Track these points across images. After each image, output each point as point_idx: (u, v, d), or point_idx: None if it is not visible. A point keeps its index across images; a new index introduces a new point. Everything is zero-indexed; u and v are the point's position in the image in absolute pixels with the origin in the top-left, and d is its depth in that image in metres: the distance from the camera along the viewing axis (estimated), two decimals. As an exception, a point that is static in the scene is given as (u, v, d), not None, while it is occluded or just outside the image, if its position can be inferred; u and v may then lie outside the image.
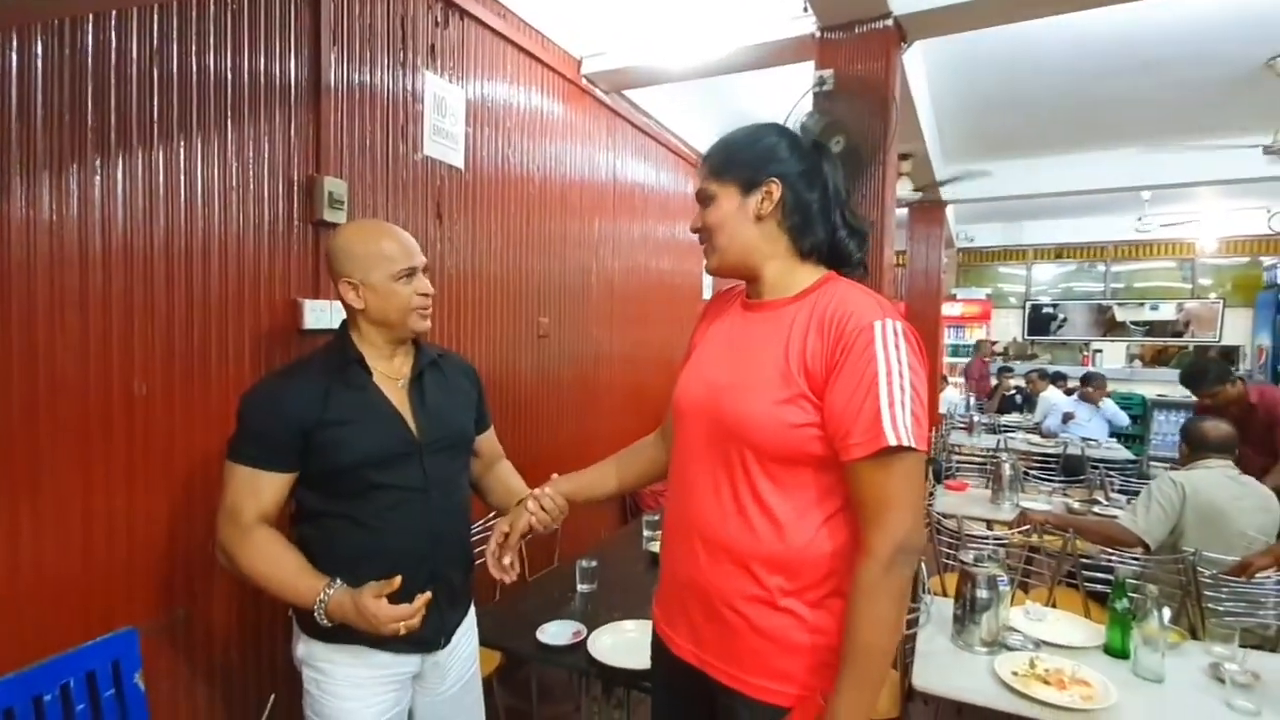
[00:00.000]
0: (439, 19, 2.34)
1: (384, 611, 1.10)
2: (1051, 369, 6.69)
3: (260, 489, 1.19)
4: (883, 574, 0.89)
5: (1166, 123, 4.39)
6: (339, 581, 1.16)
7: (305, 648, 1.26)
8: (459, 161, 2.44)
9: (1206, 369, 3.07)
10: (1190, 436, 2.50)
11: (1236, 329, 7.68)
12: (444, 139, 2.37)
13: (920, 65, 3.53)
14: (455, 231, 2.45)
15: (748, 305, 1.09)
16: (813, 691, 0.95)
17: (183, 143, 1.56)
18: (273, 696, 1.06)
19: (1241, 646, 1.62)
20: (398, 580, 1.12)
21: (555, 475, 1.31)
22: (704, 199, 1.08)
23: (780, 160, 1.03)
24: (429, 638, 1.27)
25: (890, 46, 2.53)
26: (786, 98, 2.50)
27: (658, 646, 1.16)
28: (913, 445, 0.88)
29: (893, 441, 0.87)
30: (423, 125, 2.27)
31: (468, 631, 1.44)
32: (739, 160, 1.05)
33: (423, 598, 1.14)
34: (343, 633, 1.17)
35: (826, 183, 1.05)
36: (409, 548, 1.23)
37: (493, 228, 2.66)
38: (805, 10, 2.57)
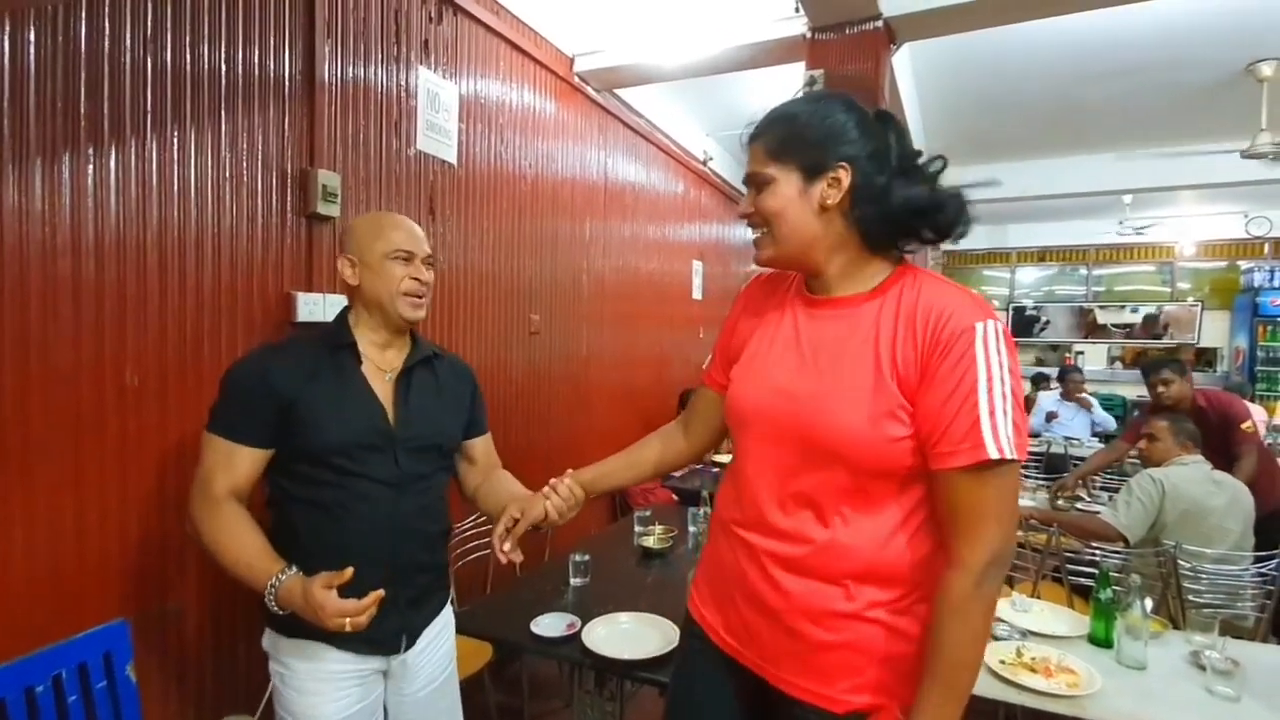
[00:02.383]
0: (433, 14, 2.34)
1: (330, 604, 1.05)
2: (1032, 370, 6.77)
3: (234, 462, 1.17)
4: (974, 588, 0.83)
5: (1148, 126, 4.48)
6: (294, 569, 1.13)
7: (270, 640, 1.25)
8: (452, 157, 2.45)
9: (1163, 359, 3.17)
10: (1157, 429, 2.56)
11: (1214, 331, 7.82)
12: (437, 134, 2.38)
13: (908, 67, 3.58)
14: (448, 227, 2.45)
15: (812, 301, 0.99)
16: (891, 700, 0.90)
17: (176, 134, 1.55)
18: (273, 683, 1.05)
19: (1221, 635, 1.66)
20: (349, 572, 1.07)
21: (571, 470, 1.27)
22: (759, 183, 0.95)
23: (850, 141, 0.91)
24: (386, 639, 1.25)
25: (880, 48, 2.57)
26: (779, 98, 2.53)
27: (707, 650, 1.07)
28: (1014, 458, 0.82)
29: (994, 455, 0.81)
30: (416, 120, 2.27)
31: (442, 631, 1.40)
32: (803, 138, 0.92)
33: (374, 595, 1.07)
34: (300, 627, 1.13)
35: (891, 160, 0.92)
36: (373, 542, 1.21)
37: (485, 224, 2.66)
38: (797, 11, 2.60)
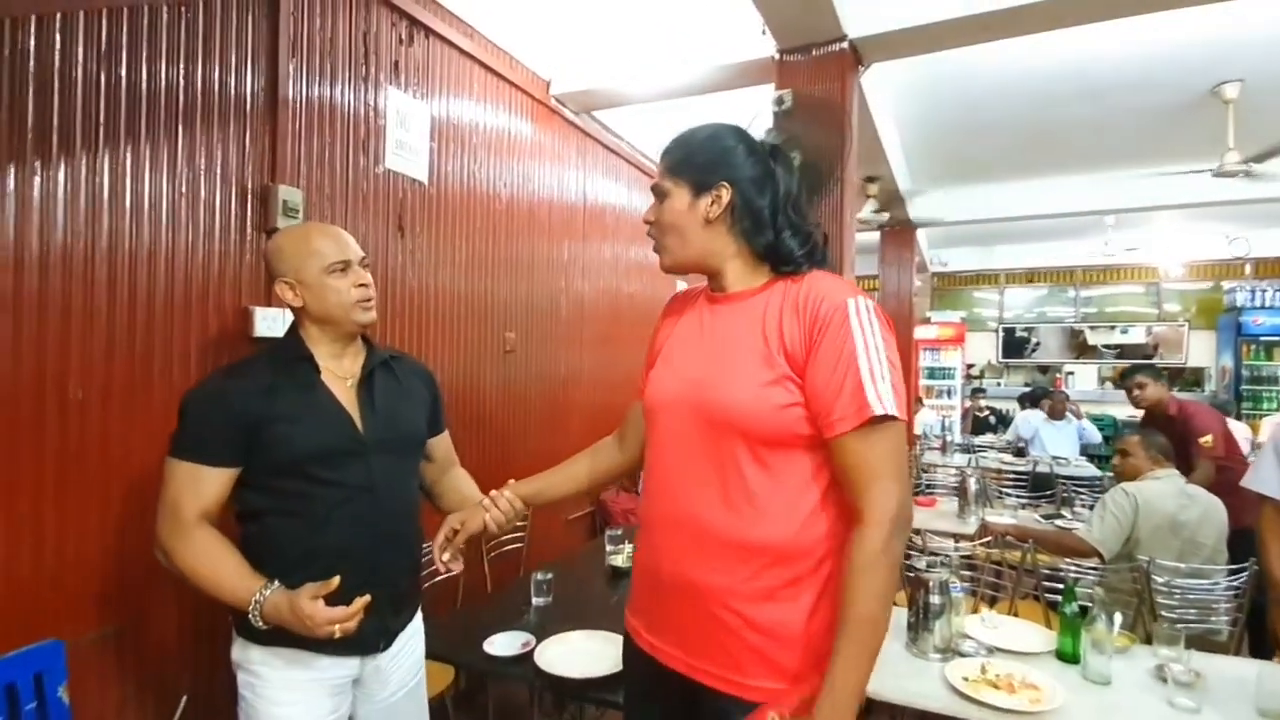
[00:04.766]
0: (403, 36, 2.37)
1: (320, 614, 1.08)
2: (1019, 390, 6.79)
3: (201, 485, 1.17)
4: (883, 546, 0.87)
5: (1120, 148, 4.55)
6: (276, 583, 1.13)
7: (241, 651, 1.23)
8: (422, 175, 2.46)
9: (1139, 365, 3.24)
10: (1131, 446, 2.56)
11: (1201, 351, 7.85)
12: (407, 153, 2.39)
13: (883, 91, 3.64)
14: (418, 244, 2.46)
15: (714, 298, 1.08)
16: (801, 684, 0.92)
17: (130, 148, 1.56)
18: (184, 698, 1.02)
19: (1198, 651, 1.63)
20: (335, 581, 1.10)
21: (512, 480, 1.29)
22: (658, 193, 1.08)
23: (734, 165, 1.03)
24: (367, 640, 1.24)
25: (846, 69, 2.61)
26: (749, 117, 2.56)
27: (636, 656, 1.11)
28: (896, 414, 0.89)
29: (878, 410, 0.88)
30: (384, 139, 2.29)
31: (413, 638, 1.40)
32: (694, 161, 1.04)
33: (361, 601, 1.11)
34: (279, 635, 1.14)
35: (777, 187, 1.04)
36: (352, 547, 1.21)
37: (457, 242, 2.67)
38: (764, 33, 2.64)
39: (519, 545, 2.73)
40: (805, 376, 0.93)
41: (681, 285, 5.05)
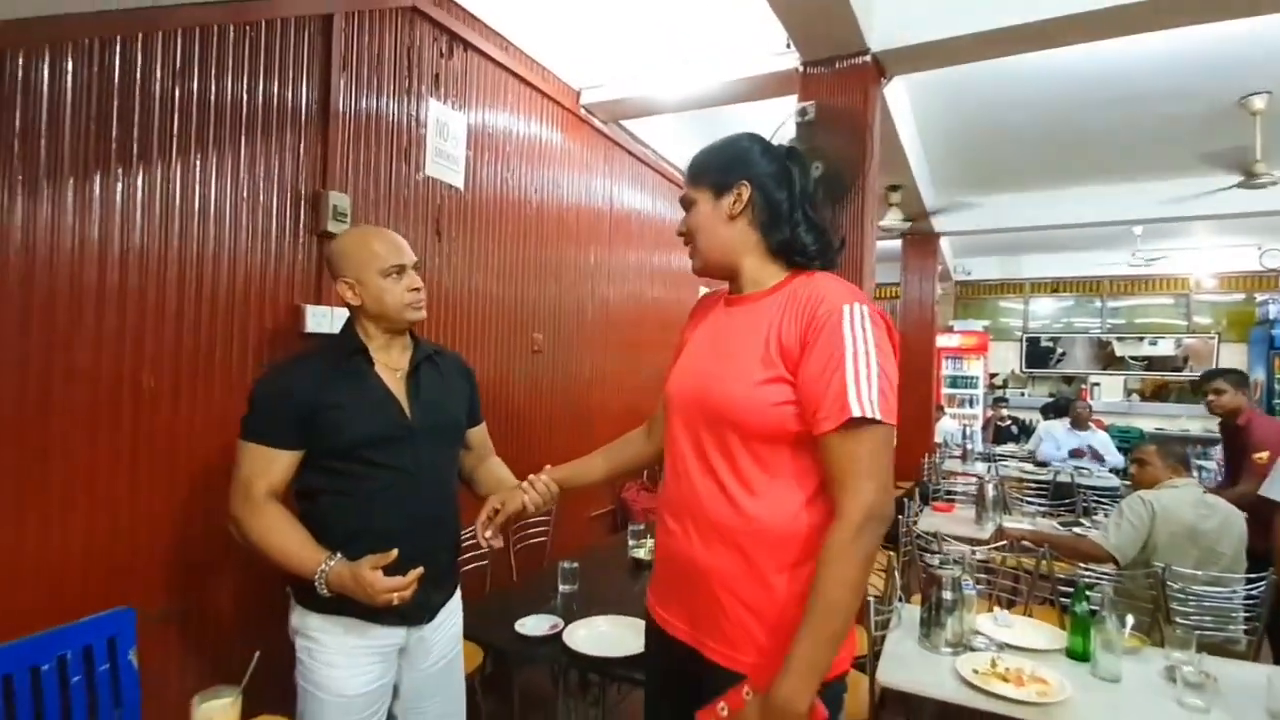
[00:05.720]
0: (444, 50, 2.50)
1: (380, 582, 1.19)
2: (1043, 400, 6.73)
3: (270, 466, 1.29)
4: (852, 537, 0.93)
5: (1146, 158, 4.53)
6: (339, 555, 1.25)
7: (300, 619, 1.34)
8: (459, 182, 2.58)
9: (1223, 369, 3.21)
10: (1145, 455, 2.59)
11: (1232, 364, 7.70)
12: (445, 161, 2.51)
13: (905, 99, 3.69)
14: (454, 248, 2.57)
15: (730, 301, 1.17)
16: (775, 661, 0.97)
17: (199, 157, 1.69)
18: (257, 654, 1.12)
19: (1211, 655, 1.66)
20: (394, 553, 1.22)
21: (548, 466, 1.42)
22: (685, 205, 1.17)
23: (750, 163, 1.11)
24: (412, 613, 1.35)
25: (869, 81, 2.67)
26: (773, 127, 2.64)
27: (653, 631, 1.20)
28: (878, 418, 0.93)
29: (857, 413, 0.93)
30: (425, 147, 2.41)
31: (453, 613, 1.52)
32: (713, 166, 1.13)
33: (415, 572, 1.23)
34: (336, 604, 1.26)
35: (794, 184, 1.11)
36: (398, 526, 1.32)
37: (490, 246, 2.78)
38: (788, 46, 2.72)
39: (543, 539, 2.83)
40: (798, 375, 0.99)
41: (703, 291, 5.12)
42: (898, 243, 6.07)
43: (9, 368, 1.36)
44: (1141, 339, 8.26)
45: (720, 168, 1.12)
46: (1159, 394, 8.21)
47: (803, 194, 1.12)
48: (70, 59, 1.44)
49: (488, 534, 1.32)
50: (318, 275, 2.00)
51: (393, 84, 2.27)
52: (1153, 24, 2.50)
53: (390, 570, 1.22)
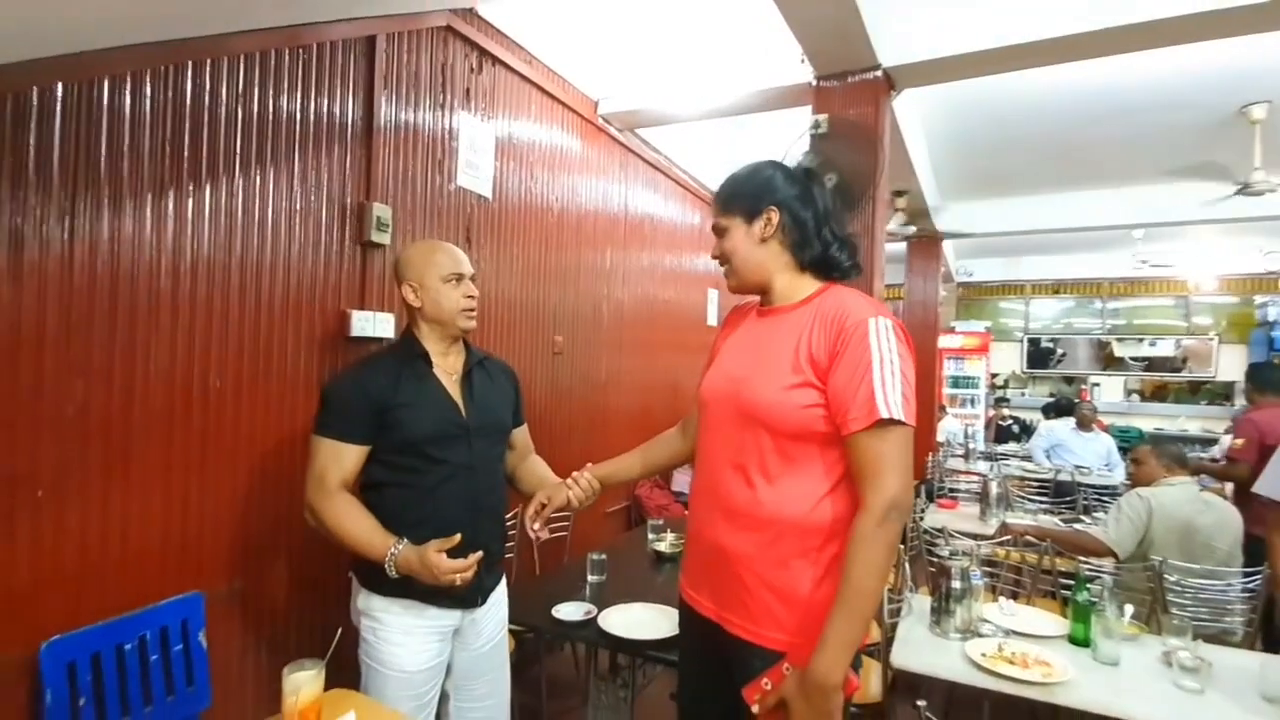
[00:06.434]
0: (474, 65, 2.61)
1: (445, 564, 1.32)
2: (1044, 400, 6.84)
3: (342, 458, 1.41)
4: (876, 525, 1.03)
5: (1148, 165, 4.65)
6: (405, 540, 1.38)
7: (365, 600, 1.47)
8: (487, 192, 2.70)
9: (1262, 365, 3.40)
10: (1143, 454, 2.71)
11: (1232, 365, 7.83)
12: (474, 171, 2.63)
13: (914, 109, 3.80)
14: (482, 254, 2.69)
15: (762, 313, 1.28)
16: (808, 640, 1.06)
17: (258, 173, 1.80)
18: (339, 630, 1.23)
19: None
20: (457, 538, 1.34)
21: (590, 463, 1.54)
22: (718, 231, 1.28)
23: (775, 189, 1.22)
24: (467, 596, 1.48)
25: (880, 94, 2.78)
26: (788, 138, 2.75)
27: (684, 611, 1.32)
28: (902, 419, 1.04)
29: (884, 414, 1.03)
30: (456, 159, 2.53)
31: (501, 598, 1.64)
32: (742, 194, 1.25)
33: (475, 555, 1.36)
34: (399, 586, 1.39)
35: (817, 204, 1.23)
36: (456, 516, 1.44)
37: (515, 251, 2.90)
38: (803, 61, 2.83)
39: (563, 534, 2.94)
40: (827, 382, 1.10)
41: (713, 294, 5.24)
42: (902, 245, 6.18)
43: (100, 374, 1.48)
44: (1141, 340, 8.37)
45: (749, 195, 1.24)
46: (1158, 394, 8.32)
47: (825, 211, 1.24)
48: (149, 84, 1.56)
49: (535, 525, 1.45)
50: (362, 282, 2.11)
51: (429, 99, 2.39)
52: (1155, 42, 2.61)
53: (451, 555, 1.34)
